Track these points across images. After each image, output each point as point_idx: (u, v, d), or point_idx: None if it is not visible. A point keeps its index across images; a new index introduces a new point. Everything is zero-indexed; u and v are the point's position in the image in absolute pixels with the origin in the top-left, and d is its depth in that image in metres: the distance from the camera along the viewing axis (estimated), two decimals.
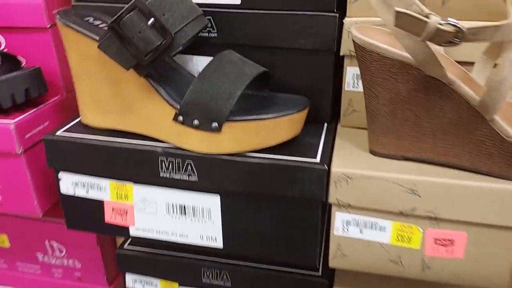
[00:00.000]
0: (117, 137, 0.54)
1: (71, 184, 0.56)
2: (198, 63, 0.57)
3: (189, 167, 0.51)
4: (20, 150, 0.58)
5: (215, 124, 0.47)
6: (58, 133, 0.55)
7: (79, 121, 0.58)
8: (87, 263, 0.75)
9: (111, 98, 0.52)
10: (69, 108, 0.67)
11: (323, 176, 0.47)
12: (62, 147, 0.54)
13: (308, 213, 0.50)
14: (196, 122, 0.48)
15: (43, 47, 0.63)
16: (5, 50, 0.63)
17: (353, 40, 0.46)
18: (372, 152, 0.50)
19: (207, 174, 0.50)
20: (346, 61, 0.53)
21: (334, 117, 0.58)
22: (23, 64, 0.64)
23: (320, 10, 0.51)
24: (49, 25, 0.61)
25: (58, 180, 0.57)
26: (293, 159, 0.48)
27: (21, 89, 0.58)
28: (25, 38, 0.63)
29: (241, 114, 0.47)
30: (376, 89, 0.46)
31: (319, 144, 0.51)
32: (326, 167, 0.47)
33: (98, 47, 0.47)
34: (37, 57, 0.64)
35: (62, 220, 0.60)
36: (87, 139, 0.53)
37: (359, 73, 0.52)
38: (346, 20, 0.50)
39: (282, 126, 0.48)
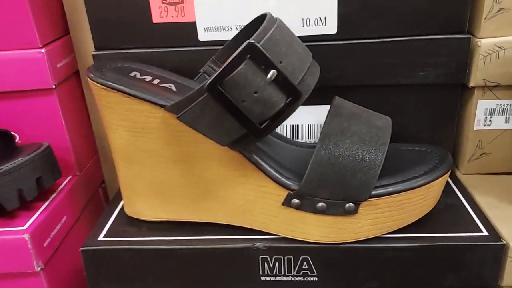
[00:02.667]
0: (185, 233, 0.38)
1: None
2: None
3: (305, 264, 0.36)
4: (40, 267, 0.40)
5: (349, 205, 0.33)
6: (99, 238, 0.39)
7: (120, 214, 0.42)
8: None
9: (178, 182, 0.37)
10: (84, 191, 0.51)
11: (500, 254, 0.35)
12: (108, 259, 0.38)
13: None
14: (321, 205, 0.34)
15: (48, 115, 0.46)
16: None
17: None
18: None
19: (331, 270, 0.36)
20: (477, 93, 0.41)
21: None
22: (16, 141, 0.47)
23: (446, 33, 0.39)
24: (55, 85, 0.45)
25: None
26: (450, 235, 0.36)
27: (31, 180, 0.41)
28: (19, 105, 0.46)
29: (377, 186, 0.34)
30: None
31: (464, 207, 0.39)
32: (505, 242, 0.35)
33: (179, 118, 0.31)
34: (38, 129, 0.47)
35: None
36: (145, 242, 0.38)
37: (493, 107, 0.41)
38: (483, 42, 0.39)
39: (432, 193, 0.36)
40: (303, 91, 0.30)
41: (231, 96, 0.29)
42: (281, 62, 0.29)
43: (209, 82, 0.28)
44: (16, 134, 0.47)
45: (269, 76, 0.28)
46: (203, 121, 0.31)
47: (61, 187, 0.47)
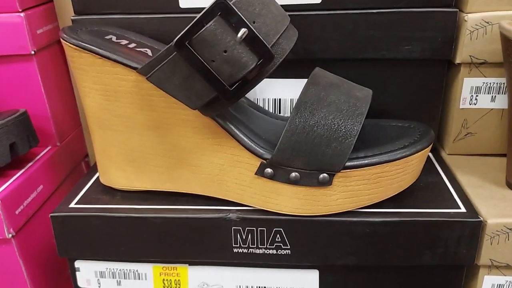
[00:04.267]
0: (159, 202, 0.37)
1: (93, 275, 0.39)
2: (264, 88, 0.42)
3: (279, 236, 0.35)
4: (11, 234, 0.40)
5: (323, 176, 0.32)
6: (71, 205, 0.38)
7: (95, 183, 0.41)
8: None
9: (152, 150, 0.36)
10: (64, 163, 0.50)
11: (477, 232, 0.34)
12: (79, 226, 0.37)
13: (449, 283, 0.37)
14: (294, 175, 0.33)
15: (27, 82, 0.45)
16: None
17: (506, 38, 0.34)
18: (510, 185, 0.38)
19: (305, 244, 0.35)
20: (463, 71, 0.40)
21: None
22: None
23: (431, 6, 0.38)
24: (34, 51, 0.44)
25: (73, 271, 0.39)
26: (428, 211, 0.35)
27: (5, 145, 0.40)
28: None
29: (353, 158, 0.33)
30: None
31: (445, 184, 0.38)
32: (482, 219, 0.34)
33: (148, 78, 0.31)
34: (17, 96, 0.46)
35: None
36: (117, 209, 0.37)
37: (479, 85, 0.39)
38: (470, 17, 0.38)
39: (411, 168, 0.35)
40: (276, 54, 0.29)
41: (200, 54, 0.28)
42: (254, 22, 0.28)
43: (177, 39, 0.27)
44: None
45: (239, 34, 0.27)
46: (173, 82, 0.30)
47: (39, 156, 0.46)
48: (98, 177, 0.42)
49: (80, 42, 0.34)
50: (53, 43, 0.48)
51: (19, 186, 0.41)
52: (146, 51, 0.37)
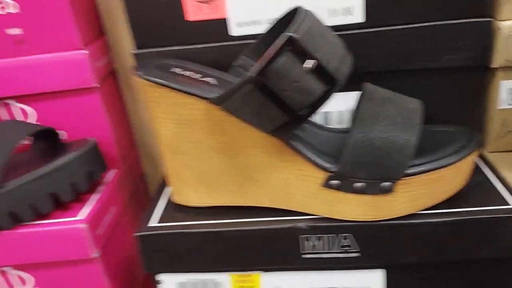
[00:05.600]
0: (230, 216, 0.41)
1: (174, 286, 0.43)
2: None
3: (347, 241, 0.39)
4: (96, 253, 0.44)
5: (385, 184, 0.36)
6: (150, 224, 0.41)
7: (167, 202, 0.45)
8: None
9: (222, 170, 0.40)
10: (128, 184, 0.54)
11: None
12: (160, 243, 0.41)
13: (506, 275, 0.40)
14: (358, 185, 0.36)
15: (91, 113, 0.49)
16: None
17: None
18: None
19: (372, 246, 0.39)
20: (499, 74, 0.43)
21: None
22: (63, 138, 0.50)
23: (468, 17, 0.41)
24: (97, 84, 0.47)
25: (156, 283, 0.43)
26: (480, 209, 0.38)
27: (82, 174, 0.44)
28: (64, 104, 0.49)
29: (411, 165, 0.36)
30: None
31: (491, 182, 0.41)
32: None
33: (223, 108, 0.34)
34: (83, 126, 0.50)
35: None
36: (193, 225, 0.40)
37: None
38: (503, 25, 0.40)
39: (463, 171, 0.38)
40: (339, 79, 0.32)
41: (273, 86, 0.31)
42: (318, 52, 0.32)
43: (251, 73, 0.31)
44: (63, 131, 0.50)
45: (308, 66, 0.31)
46: (247, 110, 0.33)
47: (108, 179, 0.50)
48: (167, 197, 0.45)
49: (154, 78, 0.37)
50: (109, 74, 0.52)
51: (99, 209, 0.45)
52: (209, 80, 0.40)
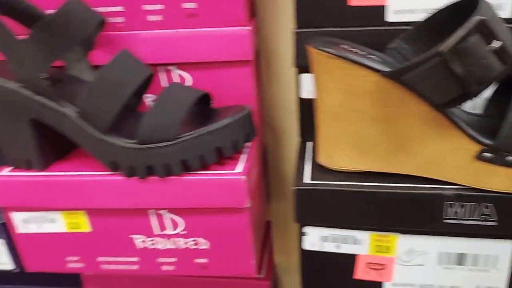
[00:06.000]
0: (377, 180, 0.46)
1: (317, 239, 0.48)
2: None
3: (488, 210, 0.43)
4: (249, 204, 0.49)
5: None
6: (305, 180, 0.47)
7: (313, 165, 0.50)
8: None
9: (377, 138, 0.45)
10: (260, 150, 0.60)
11: None
12: (316, 198, 0.46)
13: None
14: (510, 158, 0.40)
15: (242, 83, 0.55)
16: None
17: None
18: None
19: (510, 217, 0.43)
20: None
21: None
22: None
23: None
24: (252, 58, 0.53)
25: (301, 235, 0.48)
26: None
27: (241, 134, 0.50)
28: (216, 74, 0.55)
29: None
30: None
31: None
32: None
33: (402, 80, 0.39)
34: (234, 94, 0.56)
35: None
36: (344, 185, 0.46)
37: None
38: None
39: None
40: None
41: (460, 61, 0.36)
42: (500, 35, 0.36)
43: (443, 48, 0.36)
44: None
45: (495, 46, 0.36)
46: (427, 83, 0.38)
47: (251, 145, 0.56)
48: (311, 160, 0.51)
49: (333, 51, 0.43)
50: (256, 52, 0.58)
51: (250, 165, 0.51)
52: (373, 58, 0.45)
